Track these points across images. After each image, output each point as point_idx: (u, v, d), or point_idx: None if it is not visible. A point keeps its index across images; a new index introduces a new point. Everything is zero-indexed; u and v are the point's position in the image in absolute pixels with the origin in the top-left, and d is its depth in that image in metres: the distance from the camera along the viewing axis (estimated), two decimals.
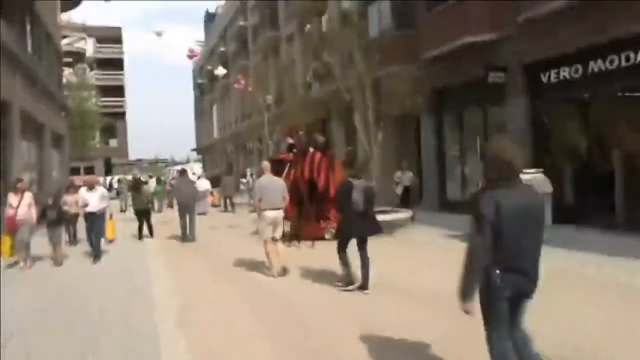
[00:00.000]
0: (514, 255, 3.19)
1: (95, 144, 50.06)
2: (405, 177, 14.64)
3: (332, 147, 11.80)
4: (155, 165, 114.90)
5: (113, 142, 56.37)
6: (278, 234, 8.04)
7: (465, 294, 3.22)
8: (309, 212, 11.06)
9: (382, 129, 13.01)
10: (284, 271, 7.88)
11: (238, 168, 39.94)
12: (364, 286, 6.61)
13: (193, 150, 68.15)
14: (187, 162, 76.81)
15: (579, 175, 12.29)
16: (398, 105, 12.72)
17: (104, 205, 11.02)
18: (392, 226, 12.24)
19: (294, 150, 11.79)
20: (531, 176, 9.60)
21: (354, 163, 7.76)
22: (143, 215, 13.23)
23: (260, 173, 8.58)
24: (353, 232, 6.69)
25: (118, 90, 56.07)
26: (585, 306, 5.97)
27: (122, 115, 56.68)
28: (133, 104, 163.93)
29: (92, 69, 54.22)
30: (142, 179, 17.82)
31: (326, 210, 11.24)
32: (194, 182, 15.82)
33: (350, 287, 6.76)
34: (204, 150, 60.63)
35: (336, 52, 12.99)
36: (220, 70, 31.47)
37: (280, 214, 7.95)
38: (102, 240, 11.21)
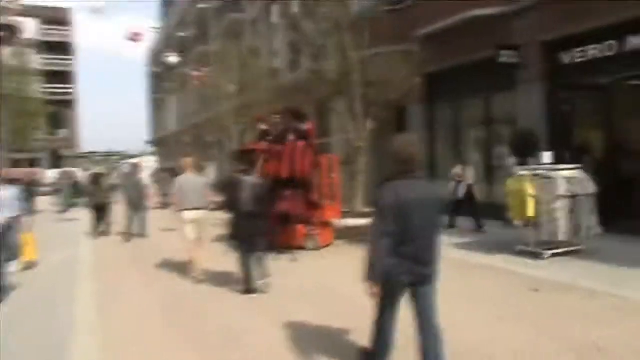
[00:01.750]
0: (411, 243, 3.36)
1: (39, 134, 46.20)
2: (469, 173, 11.23)
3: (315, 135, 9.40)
4: (108, 158, 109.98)
5: (63, 133, 52.14)
6: (202, 235, 7.49)
7: (369, 278, 3.39)
8: (287, 216, 8.79)
9: (374, 117, 10.85)
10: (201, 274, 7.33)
11: (197, 161, 37.05)
12: (249, 290, 6.34)
13: (148, 142, 64.47)
14: (142, 155, 72.96)
15: (603, 175, 10.46)
16: (392, 90, 10.59)
17: (12, 215, 7.39)
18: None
19: (269, 138, 9.48)
20: (569, 173, 7.66)
21: (245, 157, 7.04)
22: (101, 210, 12.62)
23: (185, 168, 7.73)
24: (240, 234, 6.34)
25: (66, 77, 51.93)
26: None
27: (70, 103, 52.53)
28: (86, 93, 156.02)
29: (37, 52, 49.92)
30: (101, 172, 16.47)
31: (309, 212, 9.02)
32: (143, 178, 14.38)
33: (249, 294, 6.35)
34: (159, 143, 57.18)
35: (321, 20, 10.71)
36: (173, 58, 28.49)
37: (201, 214, 7.36)
38: (13, 265, 7.73)
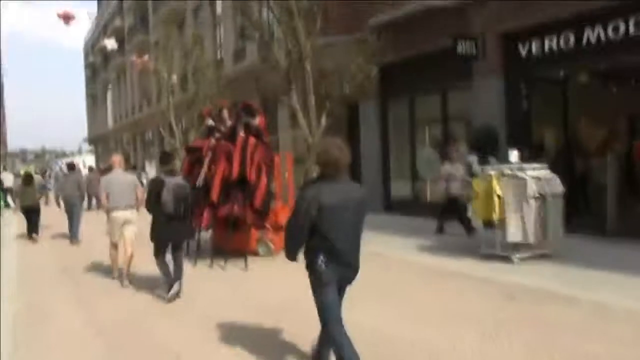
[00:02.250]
0: (335, 245, 3.43)
1: None
2: (458, 171, 9.82)
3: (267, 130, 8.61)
4: (42, 157, 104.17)
5: None
6: (129, 234, 7.15)
7: (289, 256, 3.62)
8: (237, 219, 8.00)
9: (328, 111, 10.18)
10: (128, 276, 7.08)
11: (136, 161, 35.34)
12: (178, 292, 6.14)
13: (85, 140, 61.26)
14: (80, 153, 69.12)
15: (564, 174, 10.30)
16: (348, 81, 9.96)
17: None
18: None
19: (217, 135, 8.61)
20: (536, 172, 7.30)
21: (167, 159, 6.62)
22: (32, 212, 12.27)
23: (113, 166, 7.54)
24: (161, 236, 6.17)
25: None
26: None
27: None
28: (17, 85, 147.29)
29: None
30: (33, 172, 15.44)
31: (261, 215, 8.26)
32: (80, 178, 13.17)
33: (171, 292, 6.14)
34: (97, 140, 54.41)
35: (272, 4, 9.87)
36: (111, 44, 26.70)
37: (130, 214, 7.15)
38: None
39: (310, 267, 3.50)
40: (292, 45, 10.08)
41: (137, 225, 7.26)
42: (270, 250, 8.51)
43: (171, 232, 6.13)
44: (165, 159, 6.61)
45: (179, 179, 6.27)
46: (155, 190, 6.04)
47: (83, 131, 61.00)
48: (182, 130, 19.74)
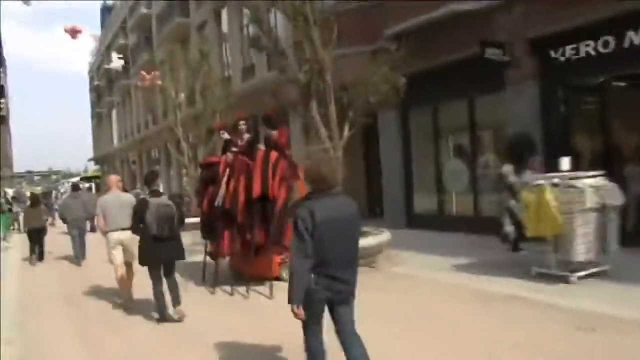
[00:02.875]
0: (328, 261, 3.36)
1: None
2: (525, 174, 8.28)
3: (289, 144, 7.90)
4: (48, 178, 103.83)
5: None
6: (131, 257, 6.98)
7: (293, 299, 3.33)
8: (260, 242, 7.28)
9: (351, 122, 9.49)
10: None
11: (142, 180, 34.73)
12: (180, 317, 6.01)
13: (90, 160, 60.85)
14: (85, 173, 68.48)
15: None
16: (373, 91, 9.30)
17: None
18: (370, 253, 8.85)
19: (234, 149, 7.92)
20: (596, 181, 6.56)
21: (151, 179, 6.41)
22: (37, 234, 12.02)
23: (110, 187, 7.45)
24: (148, 258, 6.02)
25: None
26: None
27: (1, 119, 48.59)
28: (21, 110, 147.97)
29: None
30: (38, 192, 16.17)
31: (284, 237, 7.52)
32: (86, 199, 12.70)
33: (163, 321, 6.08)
34: (102, 160, 53.98)
35: (287, 9, 9.21)
36: (117, 62, 26.21)
37: (128, 235, 6.79)
38: None
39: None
40: (311, 55, 9.43)
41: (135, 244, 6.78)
42: None
43: (158, 253, 5.94)
44: (149, 178, 6.38)
45: (163, 199, 6.09)
46: (139, 212, 5.92)
47: (89, 152, 60.68)
48: (190, 145, 19.07)
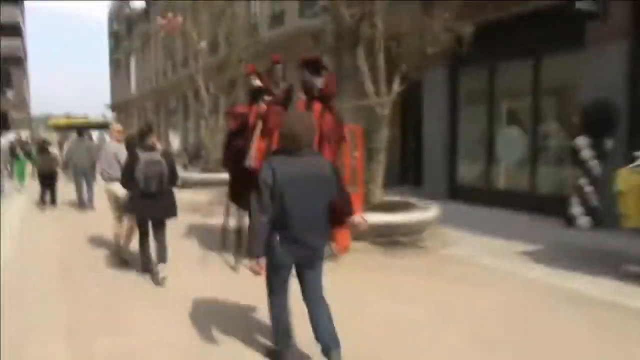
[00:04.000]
0: (292, 223, 3.26)
1: None
2: None
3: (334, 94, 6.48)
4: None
5: (10, 94, 47.05)
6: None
7: (251, 254, 3.34)
8: None
9: (402, 77, 8.09)
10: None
11: (158, 130, 33.64)
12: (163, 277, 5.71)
13: (108, 107, 59.71)
14: (104, 120, 67.45)
15: None
16: (428, 41, 7.86)
17: None
18: (416, 230, 7.63)
19: (265, 98, 6.61)
20: None
21: (144, 133, 6.01)
22: (48, 180, 12.00)
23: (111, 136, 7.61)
24: (135, 212, 6.02)
25: (13, 30, 46.77)
26: None
27: (18, 60, 47.50)
28: (43, 54, 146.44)
29: None
30: (48, 139, 15.04)
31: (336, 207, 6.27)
32: (92, 145, 12.97)
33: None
34: (119, 107, 52.91)
35: None
36: (137, 2, 24.89)
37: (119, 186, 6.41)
38: None
39: (267, 249, 3.31)
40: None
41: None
42: (333, 251, 6.56)
43: (146, 208, 5.83)
44: (142, 132, 6.07)
45: (153, 155, 5.84)
46: (129, 166, 5.83)
47: (106, 98, 59.60)
48: (210, 96, 17.75)
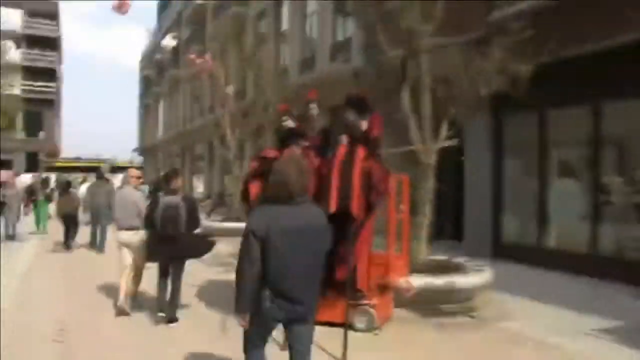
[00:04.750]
0: (284, 277, 3.08)
1: (14, 133, 42.22)
2: None
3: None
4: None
5: (41, 136, 47.80)
6: (136, 258, 6.55)
7: (238, 310, 3.15)
8: (339, 276, 5.13)
9: (450, 121, 7.26)
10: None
11: (183, 175, 33.37)
12: (171, 319, 5.85)
13: (134, 150, 60.19)
14: (131, 163, 68.02)
15: None
16: (483, 82, 7.07)
17: None
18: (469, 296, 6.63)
19: (300, 141, 5.82)
20: None
21: (168, 177, 6.17)
22: (70, 220, 12.12)
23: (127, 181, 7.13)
24: (152, 255, 6.22)
25: (49, 74, 47.96)
26: None
27: (50, 102, 48.44)
28: (75, 99, 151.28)
29: (18, 47, 46.15)
30: (70, 181, 15.27)
31: (372, 271, 5.35)
32: (111, 188, 12.28)
33: (159, 314, 6.00)
34: (146, 151, 53.29)
35: None
36: (169, 41, 25.31)
37: (133, 235, 6.47)
38: None
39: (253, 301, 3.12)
40: (406, 32, 7.28)
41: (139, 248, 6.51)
42: (372, 321, 5.58)
43: (163, 250, 5.97)
44: (167, 177, 6.27)
45: (174, 198, 5.99)
46: (149, 209, 6.03)
47: (135, 143, 60.03)
48: (236, 140, 17.17)
